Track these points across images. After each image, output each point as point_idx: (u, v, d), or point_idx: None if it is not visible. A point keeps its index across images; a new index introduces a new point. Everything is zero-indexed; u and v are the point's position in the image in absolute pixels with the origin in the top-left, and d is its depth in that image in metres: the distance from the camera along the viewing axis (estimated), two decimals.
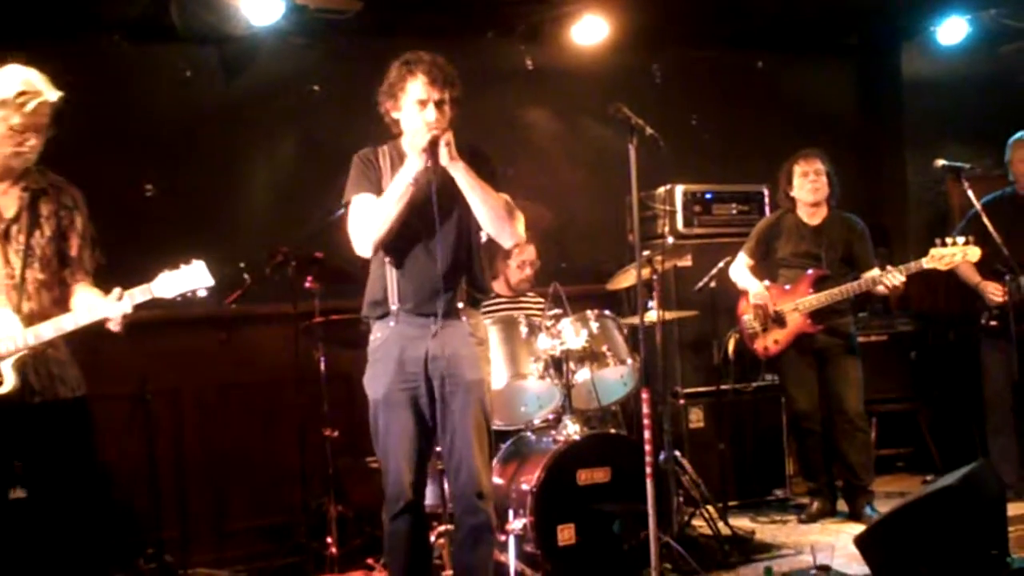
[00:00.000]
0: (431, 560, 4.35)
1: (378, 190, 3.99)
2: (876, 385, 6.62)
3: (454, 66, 4.00)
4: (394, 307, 4.01)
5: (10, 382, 3.64)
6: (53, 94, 3.68)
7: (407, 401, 3.99)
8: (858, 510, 5.98)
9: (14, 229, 3.73)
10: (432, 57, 3.93)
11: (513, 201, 4.11)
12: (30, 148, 3.68)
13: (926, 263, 5.59)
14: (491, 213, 3.96)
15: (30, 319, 3.69)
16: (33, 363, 3.71)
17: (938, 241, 5.59)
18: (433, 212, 3.91)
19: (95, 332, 3.69)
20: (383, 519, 4.08)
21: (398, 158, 4.02)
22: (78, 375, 3.91)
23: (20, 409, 3.68)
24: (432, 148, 3.83)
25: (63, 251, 3.84)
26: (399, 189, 3.88)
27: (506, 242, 4.09)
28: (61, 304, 3.79)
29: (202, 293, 3.76)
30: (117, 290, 3.66)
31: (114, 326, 3.70)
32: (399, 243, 3.99)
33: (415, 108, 3.90)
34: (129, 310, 3.65)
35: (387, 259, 4.03)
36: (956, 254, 5.53)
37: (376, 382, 4.05)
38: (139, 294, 3.68)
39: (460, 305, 4.02)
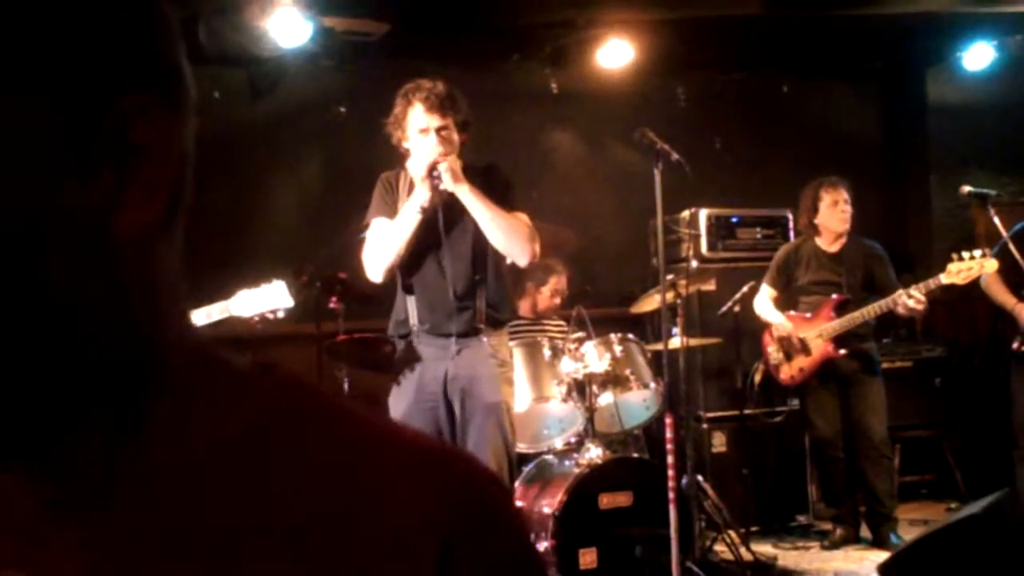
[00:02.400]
0: None
1: (394, 214, 4.07)
2: (900, 411, 6.58)
3: (463, 91, 4.05)
4: (415, 327, 4.07)
5: None
6: None
7: (427, 421, 4.02)
8: (882, 537, 5.94)
9: None
10: (432, 84, 3.98)
11: (534, 223, 4.13)
12: None
13: (944, 278, 5.57)
14: (500, 232, 4.00)
15: None
16: None
17: (955, 256, 5.57)
18: (442, 236, 3.96)
19: None
20: None
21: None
22: None
23: None
24: (430, 174, 3.88)
25: None
26: (406, 218, 3.96)
27: (520, 260, 4.11)
28: None
29: (281, 314, 3.67)
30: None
31: None
32: (413, 266, 4.06)
33: (419, 137, 3.96)
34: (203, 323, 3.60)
35: (403, 282, 4.11)
36: (973, 267, 5.50)
37: (397, 402, 4.11)
38: (216, 311, 3.61)
39: (480, 326, 4.05)
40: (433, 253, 4.03)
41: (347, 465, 0.71)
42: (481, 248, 4.07)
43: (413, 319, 4.08)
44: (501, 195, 4.05)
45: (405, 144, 4.05)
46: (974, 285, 5.74)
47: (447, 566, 0.69)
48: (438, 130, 3.94)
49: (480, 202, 3.95)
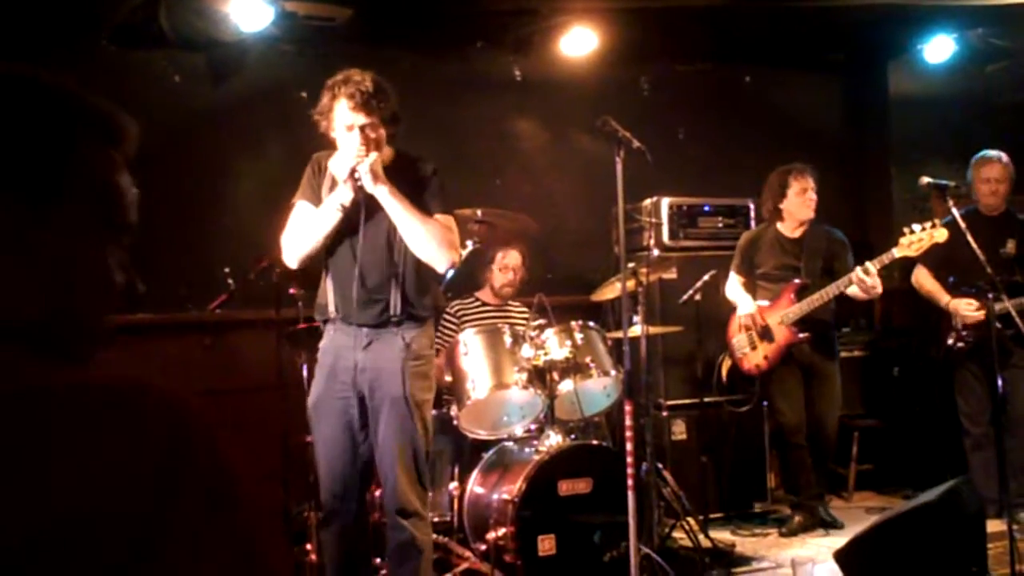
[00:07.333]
0: (364, 571, 4.40)
1: (317, 198, 4.08)
2: (857, 400, 6.62)
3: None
4: (332, 314, 4.08)
5: None
6: None
7: (337, 410, 4.05)
8: (817, 514, 6.15)
9: None
10: (360, 78, 3.92)
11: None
12: None
13: (897, 252, 5.62)
14: (417, 237, 3.98)
15: None
16: None
17: (906, 229, 5.62)
18: (359, 228, 3.96)
19: None
20: None
21: None
22: None
23: None
24: (352, 176, 3.89)
25: None
26: (326, 214, 3.98)
27: (437, 266, 4.08)
28: None
29: None
30: None
31: None
32: (330, 253, 4.08)
33: (344, 133, 3.95)
34: None
35: (323, 268, 4.13)
36: (924, 239, 5.55)
37: (314, 387, 4.15)
38: None
39: (392, 318, 4.02)
40: (349, 243, 4.02)
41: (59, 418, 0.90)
42: (398, 241, 4.04)
43: (331, 306, 4.09)
44: (428, 194, 4.05)
45: (332, 134, 4.04)
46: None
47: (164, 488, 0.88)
48: (362, 128, 3.91)
49: (399, 205, 3.94)
